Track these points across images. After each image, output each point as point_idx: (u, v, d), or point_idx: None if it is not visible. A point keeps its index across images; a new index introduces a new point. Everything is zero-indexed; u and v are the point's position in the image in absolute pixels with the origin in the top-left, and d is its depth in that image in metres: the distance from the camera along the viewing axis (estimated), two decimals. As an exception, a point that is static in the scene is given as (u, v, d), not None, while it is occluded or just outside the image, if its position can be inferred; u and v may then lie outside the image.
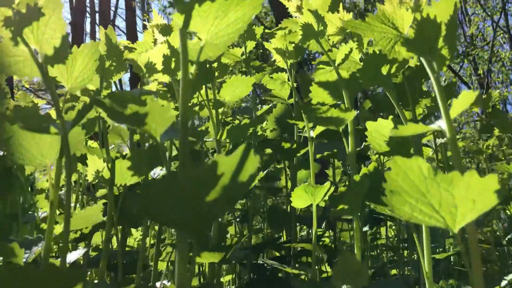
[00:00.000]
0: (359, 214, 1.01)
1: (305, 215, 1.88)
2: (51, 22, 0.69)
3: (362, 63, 1.09)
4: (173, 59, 1.18)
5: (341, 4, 1.23)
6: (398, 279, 1.60)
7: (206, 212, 0.57)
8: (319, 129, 1.29)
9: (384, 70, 1.09)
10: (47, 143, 0.87)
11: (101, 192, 1.24)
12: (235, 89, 1.42)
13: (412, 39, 0.72)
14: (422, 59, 0.74)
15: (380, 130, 1.12)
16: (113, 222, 1.09)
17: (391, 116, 1.09)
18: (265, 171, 1.90)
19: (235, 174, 0.54)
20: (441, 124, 0.68)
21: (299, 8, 1.15)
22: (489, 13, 14.33)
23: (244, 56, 1.76)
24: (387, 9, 0.75)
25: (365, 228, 1.63)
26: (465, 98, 0.66)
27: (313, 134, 1.31)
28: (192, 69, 0.72)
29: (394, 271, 1.75)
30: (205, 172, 0.53)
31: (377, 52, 1.06)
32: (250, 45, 1.94)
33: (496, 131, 1.69)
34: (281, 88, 1.38)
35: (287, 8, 1.20)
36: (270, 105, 2.05)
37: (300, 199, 1.21)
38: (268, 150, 1.82)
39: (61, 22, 0.69)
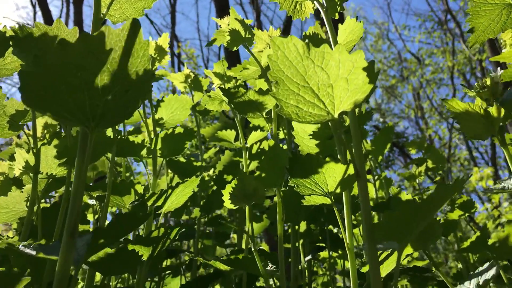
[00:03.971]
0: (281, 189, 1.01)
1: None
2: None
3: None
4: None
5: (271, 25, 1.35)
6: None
7: (99, 94, 0.59)
8: (253, 137, 1.33)
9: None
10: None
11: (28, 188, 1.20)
12: (173, 110, 1.47)
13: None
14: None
15: (305, 129, 1.18)
16: (33, 211, 1.06)
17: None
18: (211, 213, 1.90)
19: (125, 51, 0.58)
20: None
21: (228, 24, 1.26)
22: (444, 116, 15.36)
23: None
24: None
25: (308, 258, 1.60)
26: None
27: (248, 143, 1.35)
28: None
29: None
30: (93, 44, 0.56)
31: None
32: (198, 95, 2.05)
33: (430, 163, 1.78)
34: (219, 108, 1.43)
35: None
36: (217, 149, 2.10)
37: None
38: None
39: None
